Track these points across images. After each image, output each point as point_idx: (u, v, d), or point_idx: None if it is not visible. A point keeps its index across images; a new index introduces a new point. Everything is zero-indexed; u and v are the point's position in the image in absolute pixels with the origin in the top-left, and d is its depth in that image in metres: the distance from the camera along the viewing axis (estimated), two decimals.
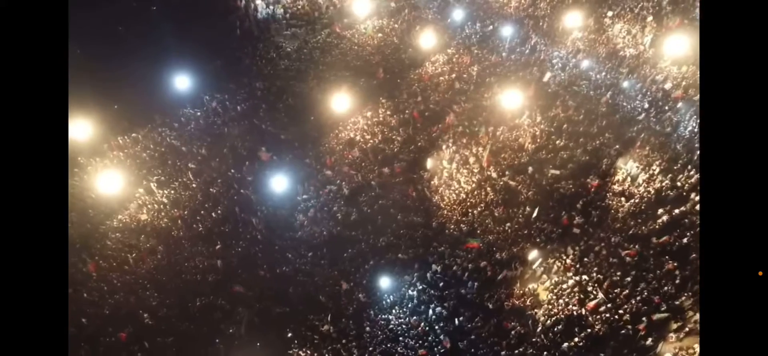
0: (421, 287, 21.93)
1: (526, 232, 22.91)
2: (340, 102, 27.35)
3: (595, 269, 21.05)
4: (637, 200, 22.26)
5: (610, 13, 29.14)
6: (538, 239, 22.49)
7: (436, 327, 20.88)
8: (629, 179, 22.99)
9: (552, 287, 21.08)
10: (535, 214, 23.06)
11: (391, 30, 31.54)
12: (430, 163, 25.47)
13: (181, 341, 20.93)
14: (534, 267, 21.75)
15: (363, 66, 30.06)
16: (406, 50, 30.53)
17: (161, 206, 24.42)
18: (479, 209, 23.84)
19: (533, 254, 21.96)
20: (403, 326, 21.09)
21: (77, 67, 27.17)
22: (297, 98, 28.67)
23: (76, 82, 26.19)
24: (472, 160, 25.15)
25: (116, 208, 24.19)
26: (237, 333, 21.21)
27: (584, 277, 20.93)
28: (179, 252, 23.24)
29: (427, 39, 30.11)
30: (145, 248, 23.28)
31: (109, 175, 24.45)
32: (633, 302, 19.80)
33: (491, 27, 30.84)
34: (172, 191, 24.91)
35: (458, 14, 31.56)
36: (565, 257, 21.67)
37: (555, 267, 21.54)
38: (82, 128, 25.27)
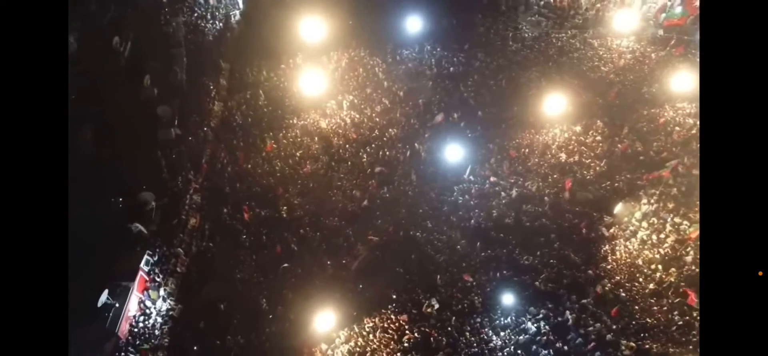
0: (542, 327, 19.08)
1: (697, 338, 18.29)
2: (553, 105, 24.79)
3: None
4: None
5: None
6: None
7: None
8: None
9: None
10: None
11: (645, 57, 27.38)
12: (619, 208, 21.75)
13: (299, 244, 21.67)
14: None
15: (596, 81, 26.69)
16: (651, 84, 26.17)
17: (342, 123, 25.27)
18: (651, 286, 19.70)
19: None
20: (504, 353, 18.66)
21: None
22: (511, 83, 26.84)
23: None
24: (669, 228, 20.79)
25: (306, 108, 25.68)
26: (349, 266, 21.14)
27: None
28: (336, 171, 23.88)
29: (682, 81, 25.34)
30: (312, 152, 24.40)
31: (313, 77, 26.01)
32: None
33: None
34: (357, 116, 25.58)
35: None
36: None
37: None
38: (315, 29, 27.12)
